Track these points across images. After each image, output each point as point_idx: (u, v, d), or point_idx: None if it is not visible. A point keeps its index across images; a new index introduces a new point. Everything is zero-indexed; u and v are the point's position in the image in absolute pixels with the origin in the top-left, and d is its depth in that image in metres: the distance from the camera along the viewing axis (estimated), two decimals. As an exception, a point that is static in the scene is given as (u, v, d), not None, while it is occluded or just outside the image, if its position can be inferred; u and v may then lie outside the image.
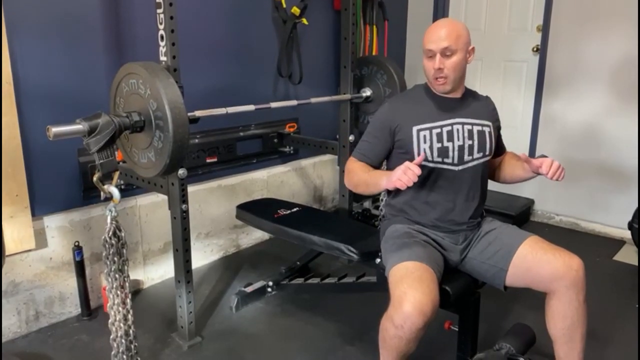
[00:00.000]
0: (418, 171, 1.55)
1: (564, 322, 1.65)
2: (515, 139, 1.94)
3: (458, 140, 1.76)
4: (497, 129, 1.89)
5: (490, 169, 1.93)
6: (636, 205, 2.85)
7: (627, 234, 2.99)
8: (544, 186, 3.57)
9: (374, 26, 3.50)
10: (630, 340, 2.23)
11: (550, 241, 1.72)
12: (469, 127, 1.77)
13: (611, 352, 2.15)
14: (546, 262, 1.63)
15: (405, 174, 1.55)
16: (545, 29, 3.43)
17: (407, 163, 1.57)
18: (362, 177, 1.77)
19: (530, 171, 1.74)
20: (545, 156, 1.72)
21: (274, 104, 2.57)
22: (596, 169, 3.33)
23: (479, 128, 1.79)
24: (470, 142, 1.76)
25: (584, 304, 1.64)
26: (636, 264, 2.97)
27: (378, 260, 1.90)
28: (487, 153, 1.80)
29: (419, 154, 1.73)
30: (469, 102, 1.83)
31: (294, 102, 2.74)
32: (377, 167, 1.85)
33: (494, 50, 3.77)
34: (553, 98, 3.48)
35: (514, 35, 3.71)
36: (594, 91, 3.29)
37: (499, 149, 1.93)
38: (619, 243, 3.24)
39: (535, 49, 3.57)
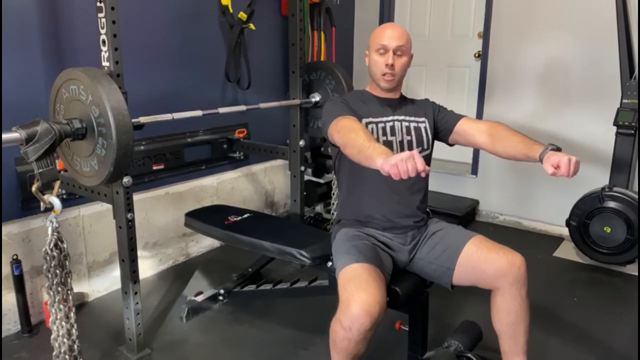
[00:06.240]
0: (421, 166, 1.30)
1: (508, 317, 1.71)
2: (460, 141, 2.00)
3: (398, 135, 1.85)
4: (438, 117, 1.93)
5: (471, 135, 1.89)
6: (573, 204, 3.00)
7: (565, 231, 3.14)
8: (488, 187, 3.71)
9: (322, 32, 3.54)
10: (569, 331, 2.34)
11: (495, 240, 1.78)
12: (407, 124, 1.88)
13: (552, 344, 2.24)
14: (490, 260, 1.69)
15: (405, 163, 1.29)
16: (485, 36, 3.57)
17: (414, 152, 1.31)
18: (360, 139, 1.51)
19: (533, 158, 1.72)
20: (556, 147, 1.69)
21: (222, 110, 2.55)
22: (536, 169, 3.40)
23: (415, 125, 1.89)
24: (408, 137, 1.86)
25: (527, 299, 1.71)
26: (574, 259, 3.12)
27: (330, 263, 1.91)
28: (426, 147, 1.89)
29: None
30: (406, 103, 1.94)
31: (242, 108, 2.72)
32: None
33: (438, 56, 3.88)
34: (494, 101, 3.62)
35: (456, 42, 3.84)
36: (532, 94, 3.45)
37: (452, 120, 1.93)
38: (558, 240, 3.39)
39: (477, 55, 3.70)
